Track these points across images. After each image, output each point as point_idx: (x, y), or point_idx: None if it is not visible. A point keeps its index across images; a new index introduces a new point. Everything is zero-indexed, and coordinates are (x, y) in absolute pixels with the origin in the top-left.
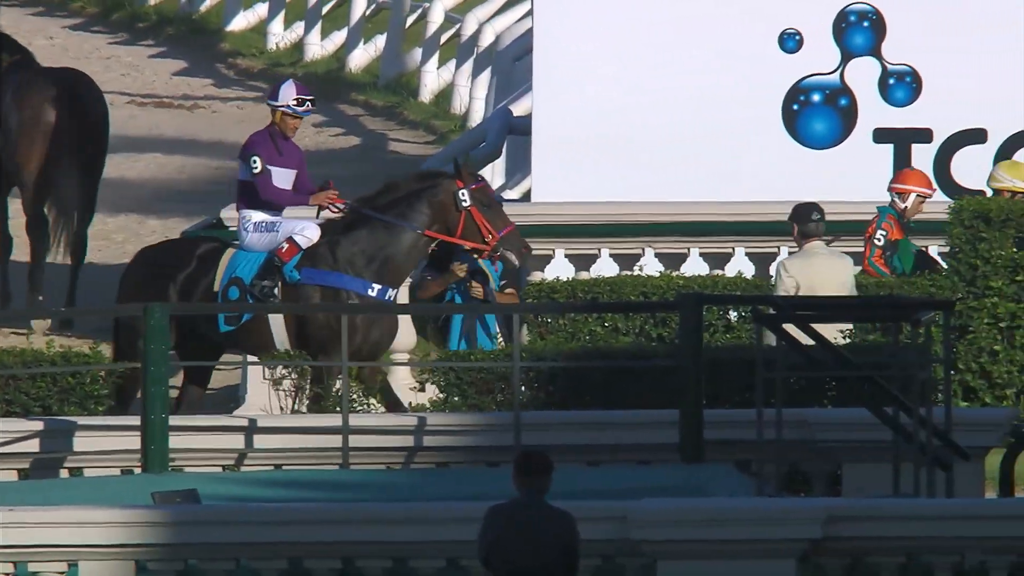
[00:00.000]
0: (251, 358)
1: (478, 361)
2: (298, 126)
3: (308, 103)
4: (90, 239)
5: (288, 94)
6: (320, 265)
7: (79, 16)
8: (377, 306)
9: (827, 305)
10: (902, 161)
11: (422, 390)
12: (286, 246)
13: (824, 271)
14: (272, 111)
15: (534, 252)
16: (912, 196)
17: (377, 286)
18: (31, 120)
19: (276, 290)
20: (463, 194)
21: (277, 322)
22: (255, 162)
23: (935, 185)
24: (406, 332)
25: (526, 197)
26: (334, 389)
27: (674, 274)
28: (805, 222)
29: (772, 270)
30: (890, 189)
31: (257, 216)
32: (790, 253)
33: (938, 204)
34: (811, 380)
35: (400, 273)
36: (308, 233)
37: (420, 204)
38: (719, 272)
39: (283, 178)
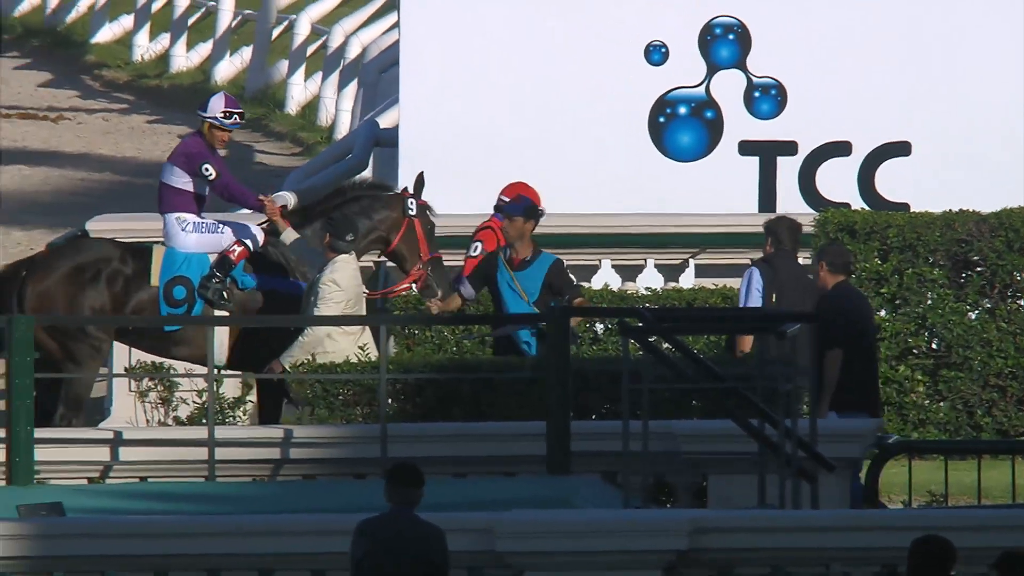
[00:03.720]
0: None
1: (345, 373)
2: (226, 139)
3: (236, 116)
4: None
5: (216, 107)
6: (268, 270)
7: None
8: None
9: (693, 317)
10: (768, 173)
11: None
12: (237, 249)
13: (357, 278)
14: (201, 122)
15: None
16: None
17: None
18: None
19: (225, 293)
20: (410, 202)
21: (219, 330)
22: (207, 169)
23: None
24: None
25: None
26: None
27: None
28: (341, 238)
29: (640, 281)
30: None
31: (194, 217)
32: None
33: (803, 217)
34: (677, 392)
35: None
36: (258, 236)
37: (362, 213)
38: (585, 284)
39: None
